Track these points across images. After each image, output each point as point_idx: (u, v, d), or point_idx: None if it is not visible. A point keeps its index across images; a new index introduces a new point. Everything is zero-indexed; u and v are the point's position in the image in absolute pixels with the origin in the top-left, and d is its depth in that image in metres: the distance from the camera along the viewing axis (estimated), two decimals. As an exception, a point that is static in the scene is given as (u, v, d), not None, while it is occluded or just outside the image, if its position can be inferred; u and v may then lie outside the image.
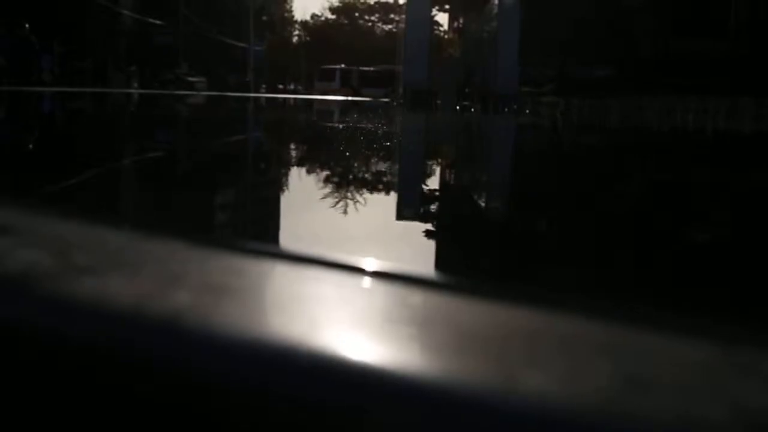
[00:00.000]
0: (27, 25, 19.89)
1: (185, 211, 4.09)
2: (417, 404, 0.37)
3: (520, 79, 28.67)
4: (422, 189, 5.78)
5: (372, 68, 44.10)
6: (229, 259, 0.59)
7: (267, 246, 0.63)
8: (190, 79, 37.21)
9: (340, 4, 61.82)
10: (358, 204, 4.91)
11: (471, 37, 33.58)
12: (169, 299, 0.48)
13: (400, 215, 4.37)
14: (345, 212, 4.51)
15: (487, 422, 0.35)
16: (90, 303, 0.48)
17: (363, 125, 12.40)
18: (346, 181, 6.23)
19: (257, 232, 3.62)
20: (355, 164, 6.98)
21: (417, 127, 14.00)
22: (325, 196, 5.16)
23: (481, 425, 0.35)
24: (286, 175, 6.55)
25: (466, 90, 29.86)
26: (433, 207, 4.82)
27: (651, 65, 27.25)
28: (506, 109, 24.96)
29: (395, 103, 28.13)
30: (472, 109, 24.74)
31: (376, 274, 0.58)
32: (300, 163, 7.54)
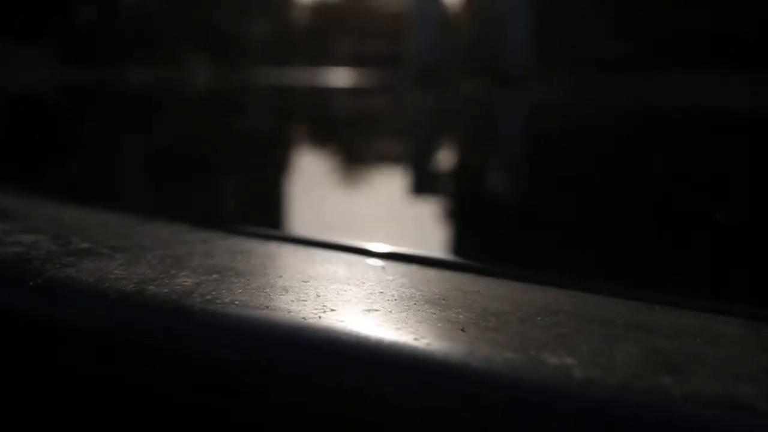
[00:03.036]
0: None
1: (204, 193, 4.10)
2: (437, 383, 0.35)
3: (531, 57, 28.41)
4: (417, 168, 5.79)
5: (380, 49, 43.89)
6: (241, 241, 0.58)
7: (275, 228, 0.62)
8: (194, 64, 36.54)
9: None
10: (370, 185, 4.91)
11: (482, 15, 33.27)
12: (173, 282, 0.46)
13: (409, 194, 4.37)
14: (357, 193, 4.52)
15: (509, 400, 0.34)
16: (92, 286, 0.46)
17: (362, 111, 12.35)
18: (352, 162, 6.25)
19: (267, 214, 3.63)
20: (361, 149, 6.98)
21: (410, 112, 13.91)
22: (332, 177, 5.17)
23: (504, 403, 0.34)
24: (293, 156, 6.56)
25: (476, 69, 29.66)
26: (433, 186, 4.82)
27: (667, 42, 26.89)
28: (516, 87, 24.75)
29: (401, 85, 27.97)
30: (480, 90, 24.54)
31: (388, 256, 0.56)
32: (305, 145, 7.53)
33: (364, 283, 0.48)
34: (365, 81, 31.49)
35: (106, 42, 33.88)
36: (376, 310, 0.42)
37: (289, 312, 0.42)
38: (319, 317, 0.41)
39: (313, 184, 4.65)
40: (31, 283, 0.47)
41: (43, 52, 30.07)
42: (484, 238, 2.84)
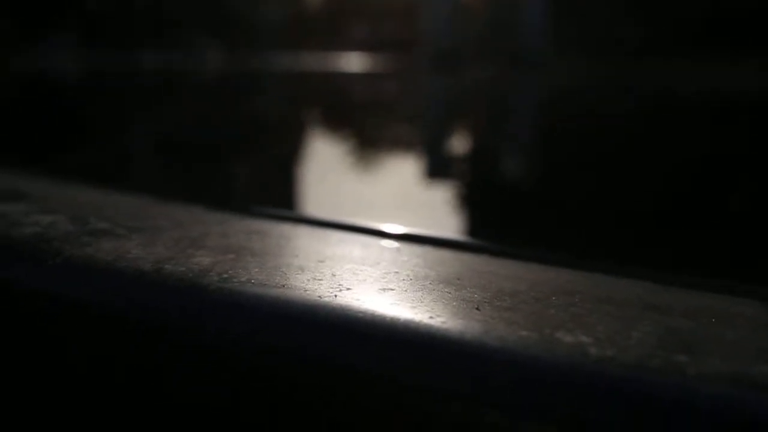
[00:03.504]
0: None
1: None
2: (453, 362, 0.35)
3: (546, 41, 28.05)
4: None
5: (394, 33, 43.50)
6: (256, 222, 0.58)
7: (290, 209, 0.62)
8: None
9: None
10: (384, 167, 4.90)
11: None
12: (190, 261, 0.47)
13: (422, 177, 4.36)
14: (371, 175, 4.52)
15: (525, 378, 0.34)
16: (110, 266, 0.47)
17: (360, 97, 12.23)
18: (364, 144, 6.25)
19: (283, 194, 3.64)
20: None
21: (424, 98, 13.78)
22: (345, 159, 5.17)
23: (519, 381, 0.34)
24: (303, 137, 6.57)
25: (491, 53, 29.33)
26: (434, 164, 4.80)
27: (686, 26, 26.37)
28: (532, 71, 24.43)
29: (415, 69, 27.71)
30: (494, 74, 24.22)
31: (403, 236, 0.56)
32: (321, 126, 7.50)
33: (379, 263, 0.48)
34: (378, 65, 31.25)
35: (119, 27, 33.73)
36: (392, 290, 0.42)
37: (305, 291, 0.42)
38: (335, 296, 0.41)
39: (330, 167, 4.65)
40: (50, 263, 0.47)
41: (57, 37, 30.07)
42: (491, 220, 2.83)
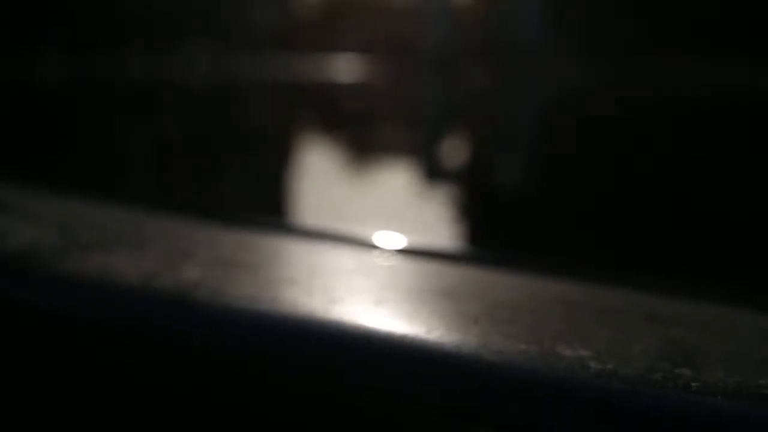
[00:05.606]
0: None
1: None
2: (450, 376, 0.34)
3: (543, 42, 28.12)
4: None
5: (389, 35, 43.55)
6: (247, 233, 0.57)
7: (282, 219, 0.61)
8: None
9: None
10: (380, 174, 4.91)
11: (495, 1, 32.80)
12: (179, 275, 0.46)
13: (420, 186, 4.36)
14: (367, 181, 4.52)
15: (523, 392, 0.33)
16: (97, 280, 0.46)
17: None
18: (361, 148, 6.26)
19: (274, 204, 3.63)
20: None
21: (423, 105, 13.70)
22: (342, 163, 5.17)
23: (518, 396, 0.33)
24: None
25: (488, 56, 29.36)
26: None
27: (685, 26, 26.41)
28: (525, 77, 24.50)
29: (412, 73, 27.72)
30: (491, 77, 24.21)
31: (398, 247, 0.55)
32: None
33: (373, 275, 0.47)
34: (375, 68, 31.21)
35: (103, 30, 33.23)
36: (386, 302, 0.41)
37: (297, 305, 0.41)
38: (327, 310, 0.40)
39: (325, 178, 4.64)
40: (35, 276, 0.46)
41: (40, 41, 29.63)
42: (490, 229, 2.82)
